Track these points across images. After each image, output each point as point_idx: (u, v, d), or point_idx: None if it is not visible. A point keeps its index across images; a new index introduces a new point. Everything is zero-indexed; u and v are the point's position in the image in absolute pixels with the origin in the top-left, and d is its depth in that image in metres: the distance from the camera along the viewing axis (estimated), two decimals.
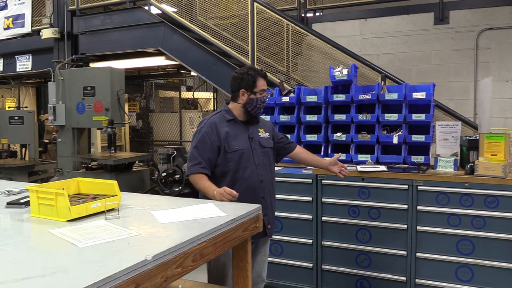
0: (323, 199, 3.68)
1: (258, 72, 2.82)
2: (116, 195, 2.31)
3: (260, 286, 3.00)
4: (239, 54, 5.41)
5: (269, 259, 3.89)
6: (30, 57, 7.65)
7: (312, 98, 4.09)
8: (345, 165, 3.15)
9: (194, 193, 5.73)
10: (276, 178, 3.80)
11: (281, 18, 5.33)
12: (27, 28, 7.76)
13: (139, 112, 9.42)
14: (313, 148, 4.10)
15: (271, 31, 5.48)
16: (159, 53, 6.18)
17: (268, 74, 5.18)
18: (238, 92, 2.78)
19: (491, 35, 5.22)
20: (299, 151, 3.12)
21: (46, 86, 7.28)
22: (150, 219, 2.14)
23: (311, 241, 3.74)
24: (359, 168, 3.55)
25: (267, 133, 2.92)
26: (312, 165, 3.27)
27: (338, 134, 3.93)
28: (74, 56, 6.80)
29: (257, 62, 5.27)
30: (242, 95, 2.77)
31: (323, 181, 3.67)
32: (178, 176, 5.53)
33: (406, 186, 3.41)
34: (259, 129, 2.89)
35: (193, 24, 5.78)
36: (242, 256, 2.35)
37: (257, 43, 5.29)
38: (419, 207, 3.38)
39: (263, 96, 2.81)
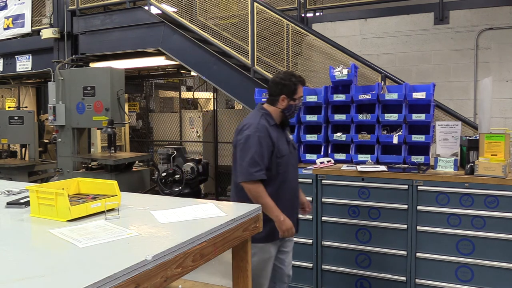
0: (323, 199, 3.68)
1: (299, 79, 2.88)
2: (116, 195, 2.31)
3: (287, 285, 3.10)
4: (239, 54, 5.41)
5: None
6: (30, 57, 7.65)
7: (312, 98, 4.09)
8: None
9: (194, 193, 5.77)
10: None
11: (281, 18, 5.32)
12: (27, 28, 7.76)
13: (139, 112, 9.43)
14: (313, 148, 4.10)
15: (271, 31, 5.48)
16: (159, 53, 6.18)
17: (268, 74, 5.19)
18: (278, 97, 2.82)
19: (491, 35, 5.22)
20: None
21: (46, 86, 7.27)
22: (150, 219, 2.14)
23: (311, 241, 3.74)
24: (359, 168, 3.55)
25: (291, 136, 3.04)
26: None
27: (338, 134, 3.93)
28: (74, 56, 6.80)
29: (257, 62, 5.26)
30: (282, 100, 2.82)
31: (323, 181, 3.66)
32: (178, 176, 5.54)
33: (406, 186, 3.41)
34: (287, 132, 2.99)
35: (193, 24, 5.77)
36: (242, 256, 2.35)
37: (257, 43, 5.29)
38: (419, 207, 3.38)
39: (300, 102, 2.89)
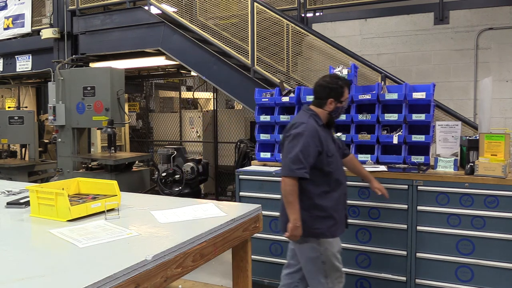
0: None
1: (346, 83, 2.99)
2: (116, 195, 2.32)
3: None
4: (239, 54, 5.41)
5: (269, 259, 3.91)
6: (30, 57, 7.65)
7: (312, 98, 4.08)
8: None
9: (194, 193, 5.77)
10: (276, 178, 3.83)
11: (281, 18, 5.32)
12: (27, 28, 7.75)
13: (139, 112, 9.42)
14: None
15: (271, 31, 5.48)
16: (159, 53, 6.18)
17: (268, 74, 5.19)
18: (326, 100, 2.91)
19: (491, 35, 5.22)
20: (352, 157, 3.27)
21: (46, 86, 7.27)
22: (150, 219, 2.14)
23: None
24: None
25: (335, 134, 3.12)
26: (359, 173, 3.30)
27: (338, 134, 3.93)
28: (74, 56, 6.80)
29: (257, 62, 5.26)
30: (330, 103, 2.90)
31: None
32: (178, 176, 5.54)
33: (406, 186, 3.41)
34: (332, 131, 3.11)
35: (193, 24, 5.77)
36: (242, 256, 2.35)
37: (257, 43, 5.29)
38: (419, 207, 3.38)
39: (346, 104, 3.01)
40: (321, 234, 2.83)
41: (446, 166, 3.50)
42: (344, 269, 3.62)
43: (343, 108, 3.00)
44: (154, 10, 6.09)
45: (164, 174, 5.57)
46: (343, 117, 3.91)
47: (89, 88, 5.81)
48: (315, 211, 2.81)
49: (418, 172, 3.42)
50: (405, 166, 3.66)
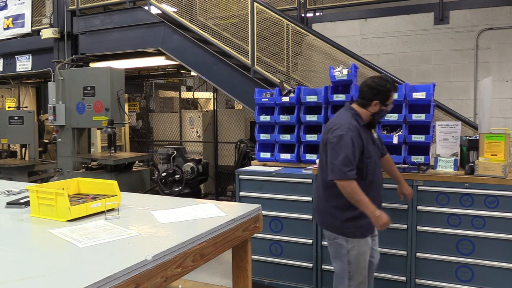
0: None
1: (394, 86, 2.95)
2: (116, 195, 2.32)
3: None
4: (239, 54, 5.41)
5: (269, 259, 3.91)
6: (30, 57, 7.65)
7: (312, 98, 4.09)
8: None
9: (194, 193, 5.77)
10: (275, 178, 3.84)
11: (281, 18, 5.32)
12: (27, 28, 7.75)
13: (139, 112, 9.42)
14: (313, 148, 4.10)
15: (271, 31, 5.48)
16: (159, 53, 6.18)
17: (268, 74, 5.19)
18: (371, 102, 2.88)
19: (491, 35, 5.22)
20: (388, 157, 3.23)
21: (46, 86, 7.27)
22: (150, 219, 2.14)
23: (311, 241, 3.74)
24: None
25: (375, 134, 3.07)
26: (392, 174, 3.27)
27: None
28: (74, 56, 6.80)
29: (257, 62, 5.26)
30: (374, 105, 2.88)
31: None
32: (178, 176, 5.54)
33: None
34: (372, 130, 3.04)
35: (193, 24, 5.77)
36: (242, 256, 2.35)
37: (257, 43, 5.29)
38: (419, 207, 3.38)
39: (390, 108, 2.97)
40: (350, 233, 2.86)
41: (446, 166, 3.50)
42: None
43: (386, 112, 2.96)
44: (154, 10, 6.09)
45: (164, 174, 5.57)
46: None
47: (89, 88, 5.81)
48: (347, 210, 2.82)
49: (418, 172, 3.42)
50: (405, 166, 3.66)
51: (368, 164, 2.83)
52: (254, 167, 4.17)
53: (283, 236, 3.84)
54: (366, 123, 2.92)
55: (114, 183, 2.37)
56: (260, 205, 2.47)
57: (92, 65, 6.96)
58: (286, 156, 4.12)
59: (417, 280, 3.43)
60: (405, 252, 3.45)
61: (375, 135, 3.04)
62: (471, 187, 3.21)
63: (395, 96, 3.35)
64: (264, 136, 4.26)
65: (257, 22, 5.29)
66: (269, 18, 5.38)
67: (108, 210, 2.18)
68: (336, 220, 2.87)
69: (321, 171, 2.95)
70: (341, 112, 2.98)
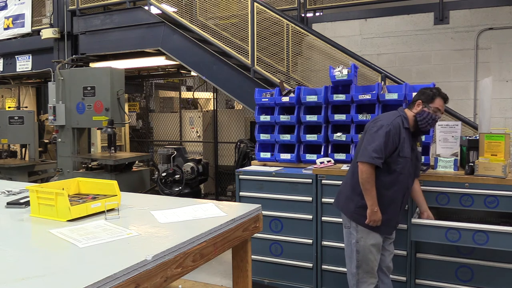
0: (323, 199, 3.68)
1: (440, 93, 3.01)
2: (116, 195, 2.32)
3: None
4: (239, 54, 5.41)
5: (269, 259, 3.91)
6: (30, 57, 7.65)
7: (312, 98, 4.09)
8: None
9: (194, 193, 5.76)
10: (276, 178, 3.84)
11: (281, 18, 5.32)
12: (27, 28, 7.75)
13: (139, 112, 9.43)
14: (313, 148, 4.10)
15: (271, 31, 5.48)
16: (159, 53, 6.18)
17: (268, 74, 5.19)
18: (415, 102, 3.00)
19: (491, 35, 5.22)
20: (418, 183, 3.22)
21: (46, 86, 7.28)
22: (150, 219, 2.14)
23: (311, 241, 3.74)
24: None
25: (420, 148, 3.13)
26: (416, 199, 3.24)
27: (338, 134, 3.93)
28: (74, 56, 6.80)
29: (257, 62, 5.26)
30: (417, 105, 2.98)
31: (323, 181, 3.66)
32: (178, 176, 5.54)
33: None
34: (417, 142, 3.11)
35: (193, 24, 5.77)
36: (242, 256, 2.35)
37: (257, 43, 5.29)
38: None
39: (436, 114, 2.96)
40: (358, 219, 2.94)
41: (446, 166, 3.50)
42: (344, 269, 3.63)
43: (429, 115, 2.92)
44: (154, 10, 6.09)
45: (164, 174, 5.57)
46: (342, 117, 3.92)
47: (89, 88, 5.81)
48: (365, 200, 2.90)
49: None
50: None
51: (398, 162, 2.89)
52: (254, 167, 4.17)
53: (283, 236, 3.84)
54: (411, 129, 2.98)
55: (114, 183, 2.37)
56: (260, 205, 2.47)
57: (92, 65, 6.96)
58: (286, 156, 4.12)
59: (417, 280, 3.43)
60: (405, 252, 3.45)
61: (419, 148, 3.11)
62: (471, 187, 3.21)
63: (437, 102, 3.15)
64: (264, 136, 4.26)
65: (257, 22, 5.30)
66: (269, 18, 5.38)
67: (108, 210, 2.18)
68: (351, 203, 2.99)
69: (355, 157, 3.05)
70: (390, 112, 3.10)
